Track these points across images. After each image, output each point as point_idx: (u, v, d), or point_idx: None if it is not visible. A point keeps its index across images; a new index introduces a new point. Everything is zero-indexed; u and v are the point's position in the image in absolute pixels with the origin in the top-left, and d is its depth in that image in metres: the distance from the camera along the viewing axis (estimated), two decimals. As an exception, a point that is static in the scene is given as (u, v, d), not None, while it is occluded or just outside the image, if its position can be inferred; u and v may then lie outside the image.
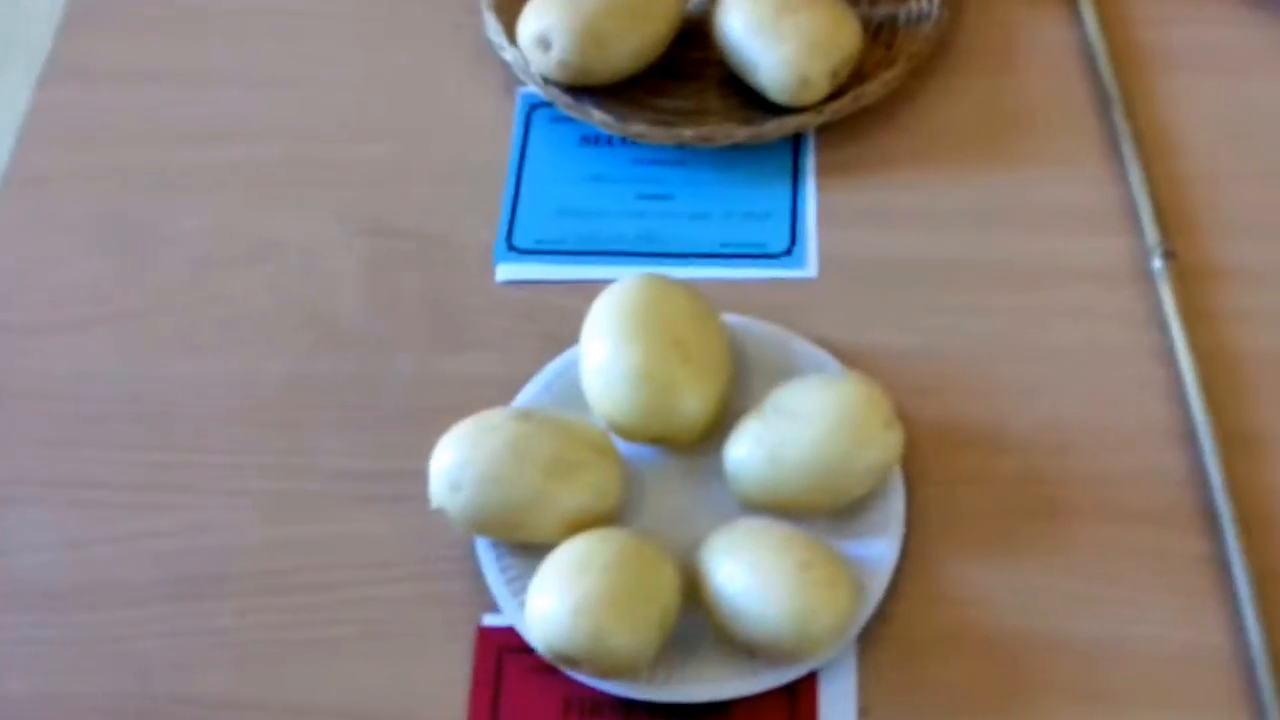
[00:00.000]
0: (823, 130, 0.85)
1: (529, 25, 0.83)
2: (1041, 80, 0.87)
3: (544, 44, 0.82)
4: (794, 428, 0.69)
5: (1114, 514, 0.72)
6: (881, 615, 0.69)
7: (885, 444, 0.69)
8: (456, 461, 0.69)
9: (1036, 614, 0.70)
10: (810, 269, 0.81)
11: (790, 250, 0.81)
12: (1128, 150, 0.82)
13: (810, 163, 0.84)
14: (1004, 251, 0.81)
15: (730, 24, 0.83)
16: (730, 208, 0.83)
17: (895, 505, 0.71)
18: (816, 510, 0.70)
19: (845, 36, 0.83)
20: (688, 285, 0.74)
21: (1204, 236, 0.80)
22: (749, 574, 0.66)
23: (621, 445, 0.72)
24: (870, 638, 0.69)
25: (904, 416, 0.73)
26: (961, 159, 0.85)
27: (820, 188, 0.84)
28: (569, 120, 0.85)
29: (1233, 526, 0.70)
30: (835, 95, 0.83)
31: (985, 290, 0.80)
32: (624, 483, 0.70)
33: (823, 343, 0.76)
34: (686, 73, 0.87)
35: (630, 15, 0.82)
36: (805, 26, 0.82)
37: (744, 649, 0.67)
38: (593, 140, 0.86)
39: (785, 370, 0.74)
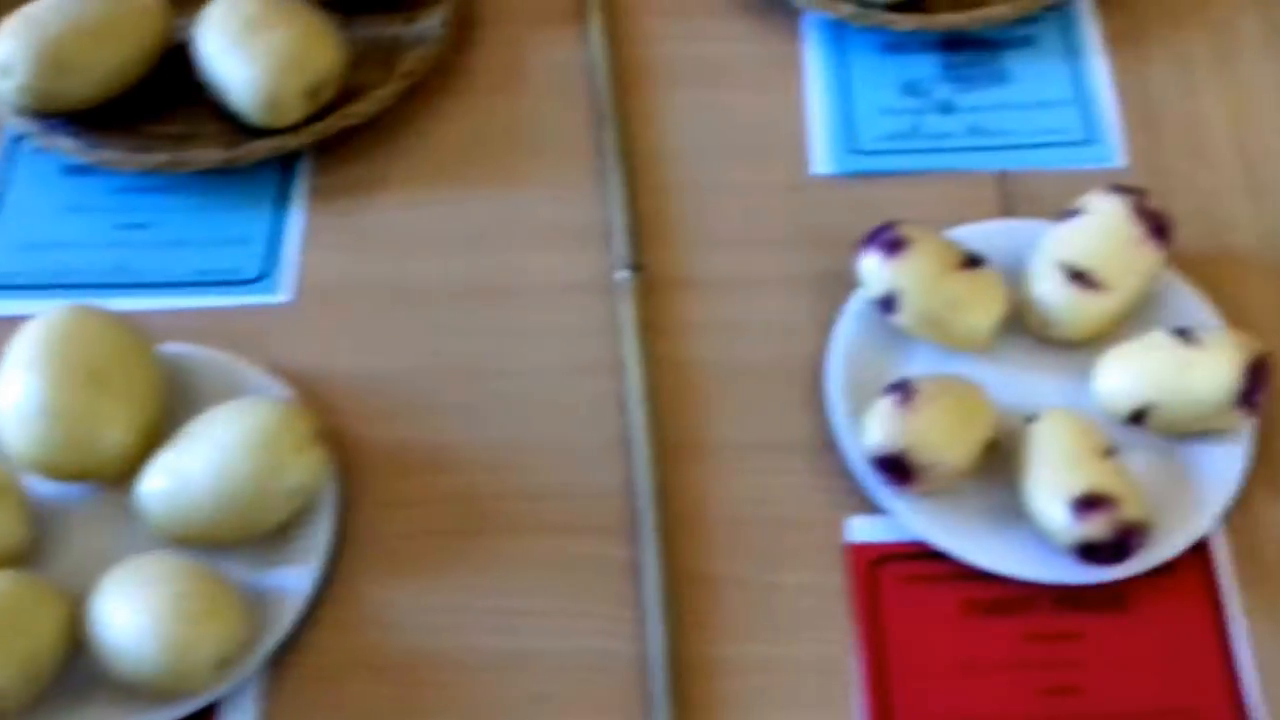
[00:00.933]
0: (320, 152, 0.84)
1: (-7, 53, 0.81)
2: (545, 100, 0.87)
3: (6, 71, 0.80)
4: (203, 455, 0.68)
5: (546, 528, 0.72)
6: (296, 643, 0.68)
7: (303, 467, 0.69)
8: None
9: (454, 633, 0.69)
10: (283, 295, 0.80)
11: (262, 277, 0.80)
12: (611, 166, 0.83)
13: (301, 186, 0.84)
14: (487, 272, 0.81)
15: (205, 44, 0.82)
16: (209, 234, 0.82)
17: (321, 531, 0.70)
18: (235, 539, 0.69)
19: (320, 55, 0.82)
20: (114, 316, 0.72)
21: (676, 249, 0.81)
22: (126, 610, 0.64)
23: (46, 485, 0.70)
24: (282, 666, 0.68)
25: (353, 440, 0.73)
26: (458, 180, 0.84)
27: (312, 211, 0.83)
28: (50, 151, 0.83)
29: (652, 534, 0.70)
30: (322, 115, 0.82)
31: (462, 312, 0.79)
32: (25, 525, 0.69)
33: (285, 370, 0.76)
34: (182, 96, 0.85)
35: (96, 38, 0.81)
36: (276, 45, 0.80)
37: (129, 688, 0.65)
38: (77, 170, 0.84)
39: (230, 400, 0.72)
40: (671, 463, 0.73)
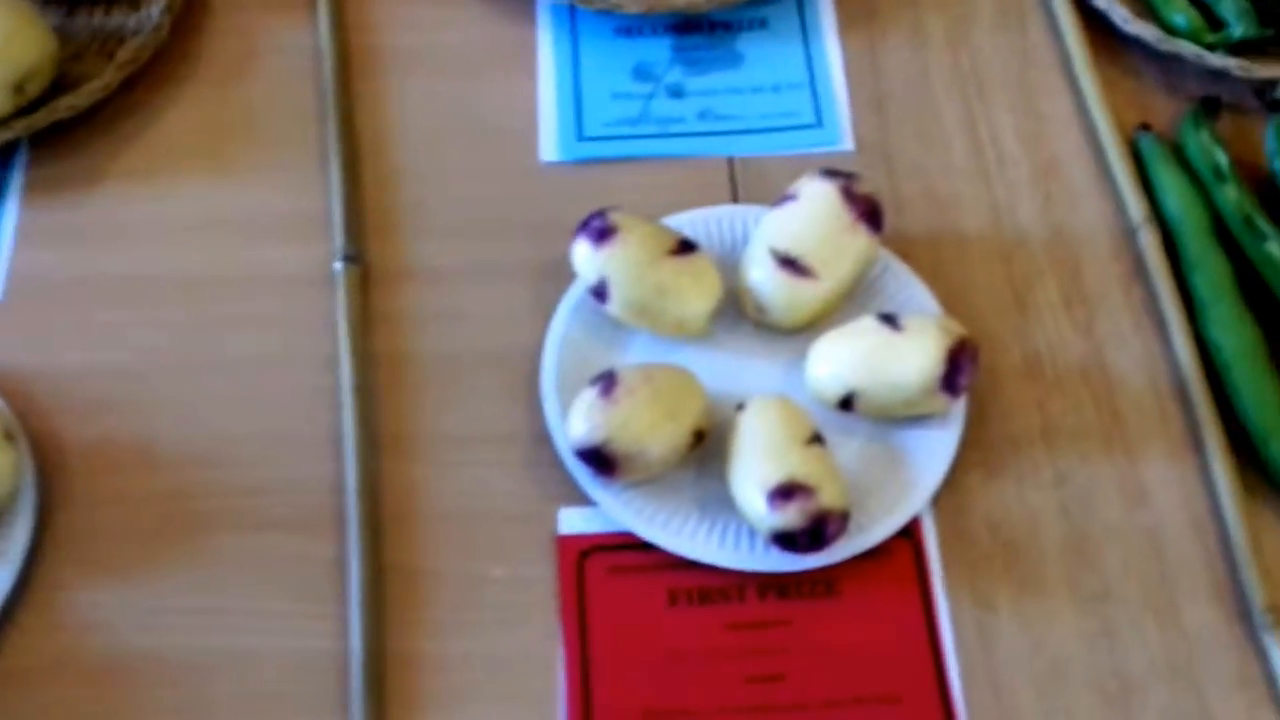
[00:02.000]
0: (36, 145, 0.82)
1: None
2: (272, 88, 0.85)
3: None
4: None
5: (258, 525, 0.70)
6: (-9, 649, 0.66)
7: (-8, 470, 0.66)
8: None
9: (162, 634, 0.68)
10: (-15, 296, 0.77)
11: (-33, 277, 0.77)
12: (333, 154, 0.81)
13: (16, 181, 0.81)
14: (205, 265, 0.79)
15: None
16: (-83, 235, 0.79)
17: (19, 532, 0.68)
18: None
19: (25, 47, 0.79)
20: None
21: (399, 239, 0.79)
22: None
23: None
24: (-28, 673, 0.66)
25: (60, 439, 0.71)
26: (179, 170, 0.82)
27: (26, 206, 0.80)
28: None
29: (358, 529, 0.69)
30: (35, 108, 0.80)
31: (177, 305, 0.77)
32: None
33: (-12, 369, 0.73)
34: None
35: None
36: (-24, 41, 0.78)
37: None
38: None
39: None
40: (385, 457, 0.72)
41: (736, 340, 0.75)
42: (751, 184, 0.81)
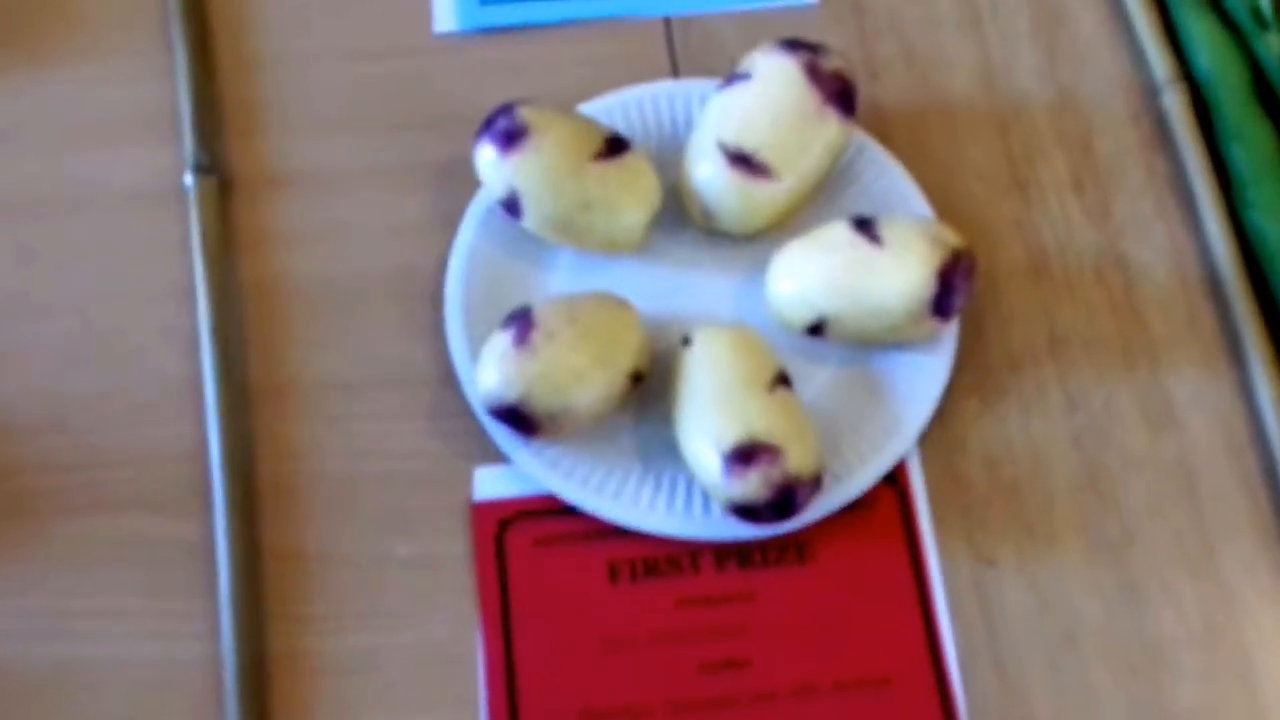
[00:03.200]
0: None
1: None
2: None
3: None
4: None
5: (104, 504, 0.58)
6: None
7: None
8: None
9: (-7, 641, 0.56)
10: None
11: None
12: (176, 33, 0.66)
13: None
14: (21, 181, 0.64)
15: None
16: None
17: None
18: None
19: None
20: None
21: (261, 138, 0.65)
22: None
23: None
24: None
25: None
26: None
27: None
28: None
29: (225, 504, 0.57)
30: None
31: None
32: None
33: None
34: None
35: None
36: None
37: None
38: None
39: None
40: (257, 413, 0.59)
41: (680, 251, 0.62)
42: (694, 52, 0.66)
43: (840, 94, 0.59)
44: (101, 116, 0.66)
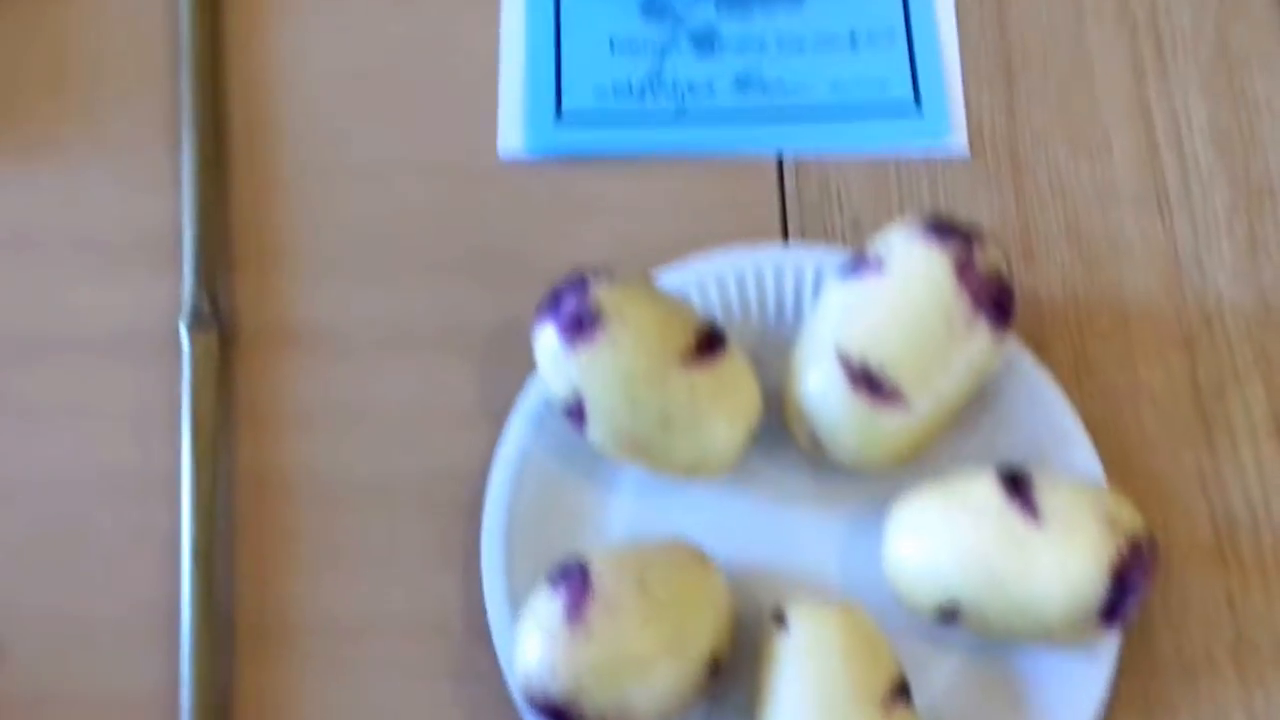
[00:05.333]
0: None
1: None
2: (95, 14, 0.57)
3: None
4: None
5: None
6: None
7: None
8: None
9: None
10: None
11: None
12: (188, 138, 0.54)
13: None
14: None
15: None
16: None
17: None
18: None
19: None
20: None
21: (276, 275, 0.53)
22: None
23: None
24: None
25: None
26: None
27: None
28: None
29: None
30: None
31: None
32: None
33: None
34: None
35: None
36: None
37: None
38: None
39: None
40: (243, 655, 0.48)
41: (777, 477, 0.49)
42: (810, 204, 0.54)
43: (995, 301, 0.47)
44: (92, 231, 0.54)
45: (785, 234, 0.54)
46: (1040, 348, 0.51)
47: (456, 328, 0.52)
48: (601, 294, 0.47)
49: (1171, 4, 0.57)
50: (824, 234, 0.53)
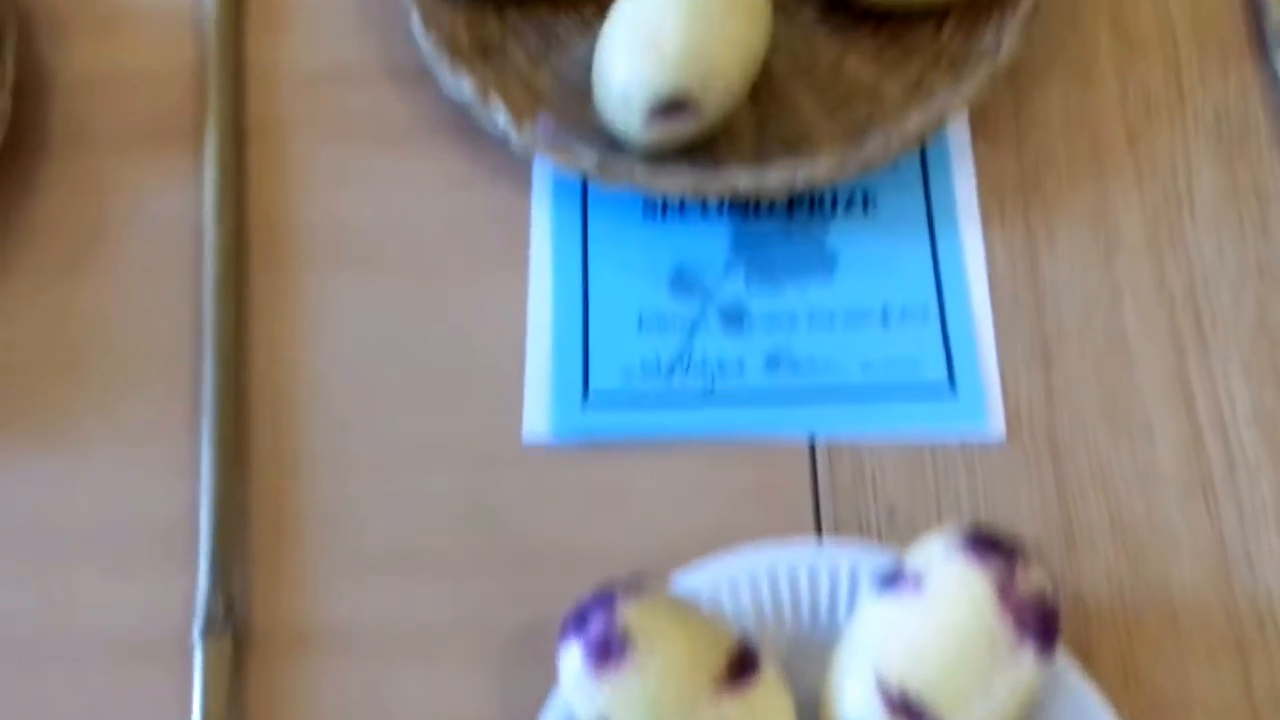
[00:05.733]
0: None
1: None
2: (128, 281, 0.56)
3: None
4: None
5: None
6: None
7: None
8: None
9: None
10: None
11: None
12: (208, 419, 0.53)
13: None
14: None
15: None
16: None
17: None
18: None
19: None
20: None
21: (301, 571, 0.51)
22: None
23: None
24: None
25: None
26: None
27: None
28: None
29: None
30: None
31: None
32: None
33: None
34: None
35: None
36: None
37: None
38: None
39: None
40: None
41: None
42: (844, 487, 0.52)
43: (1041, 625, 0.45)
44: (105, 522, 0.52)
45: (818, 521, 0.52)
46: (1086, 653, 0.49)
47: (478, 628, 0.50)
48: (629, 613, 0.45)
49: (1210, 278, 0.56)
50: (858, 522, 0.52)
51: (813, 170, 0.55)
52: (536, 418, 0.53)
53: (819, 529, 0.52)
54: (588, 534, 0.51)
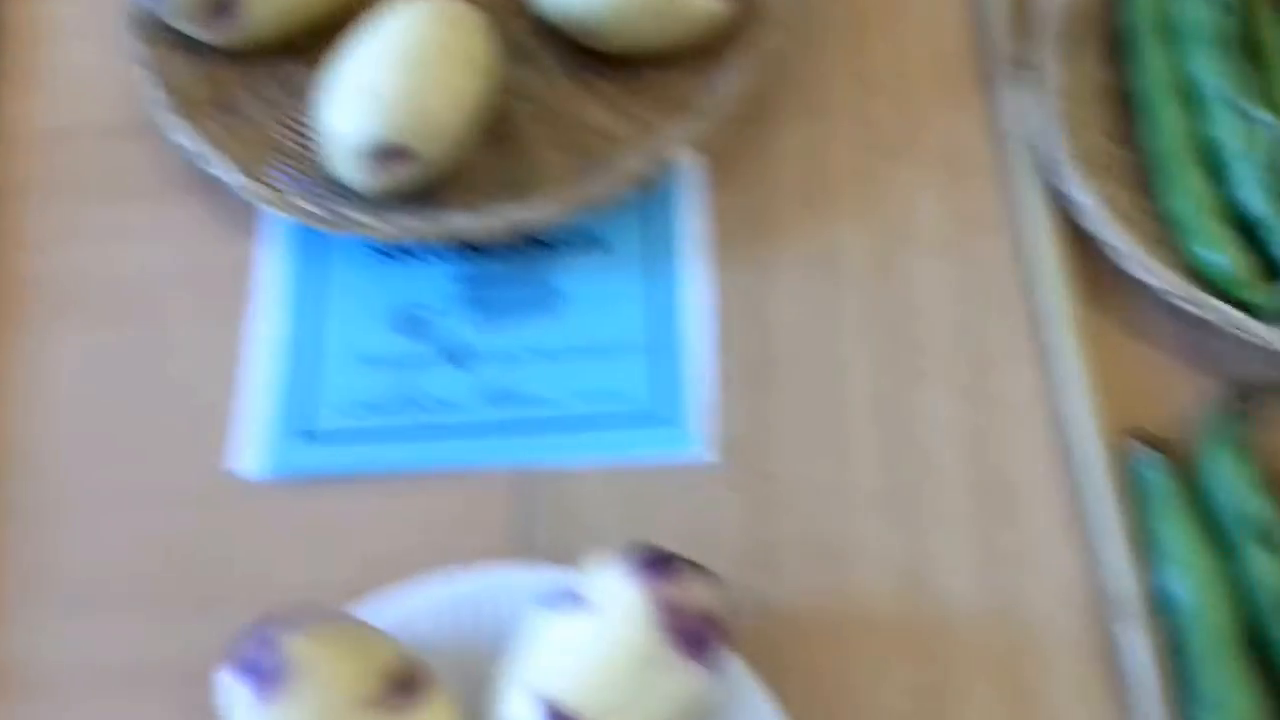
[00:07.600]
0: None
1: None
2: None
3: None
4: None
5: None
6: None
7: None
8: None
9: None
10: None
11: None
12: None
13: None
14: None
15: None
16: None
17: None
18: None
19: None
20: None
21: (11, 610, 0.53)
22: None
23: None
24: None
25: None
26: None
27: None
28: None
29: None
30: None
31: None
32: None
33: None
34: None
35: None
36: None
37: None
38: None
39: None
40: None
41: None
42: (551, 517, 0.54)
43: (700, 638, 0.46)
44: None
45: (524, 547, 0.53)
46: (775, 662, 0.49)
47: (174, 665, 0.51)
48: (287, 643, 0.46)
49: (923, 305, 0.57)
50: (563, 547, 0.53)
51: (532, 212, 0.57)
52: (252, 456, 0.55)
53: (524, 555, 0.53)
54: (296, 568, 0.53)
